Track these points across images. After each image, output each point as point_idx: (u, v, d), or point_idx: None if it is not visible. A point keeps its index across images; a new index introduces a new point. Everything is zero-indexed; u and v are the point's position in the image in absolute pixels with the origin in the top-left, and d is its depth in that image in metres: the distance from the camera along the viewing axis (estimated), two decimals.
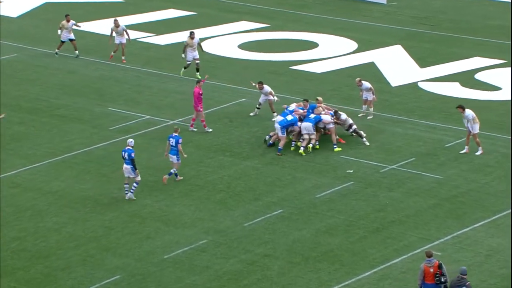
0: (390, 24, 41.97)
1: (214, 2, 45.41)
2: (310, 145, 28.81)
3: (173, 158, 27.23)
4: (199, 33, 40.82)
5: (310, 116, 29.06)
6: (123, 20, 42.63)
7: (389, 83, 35.16)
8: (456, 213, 25.52)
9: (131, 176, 26.22)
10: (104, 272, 22.99)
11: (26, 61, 37.50)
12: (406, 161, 28.46)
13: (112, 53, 36.77)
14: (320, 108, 29.34)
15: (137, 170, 26.09)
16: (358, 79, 31.43)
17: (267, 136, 29.37)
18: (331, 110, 29.72)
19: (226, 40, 39.99)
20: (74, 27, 37.29)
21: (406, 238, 24.25)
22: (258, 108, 31.53)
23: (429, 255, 20.86)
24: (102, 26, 41.63)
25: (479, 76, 35.67)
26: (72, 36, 36.77)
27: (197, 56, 35.15)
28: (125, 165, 26.19)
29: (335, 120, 29.26)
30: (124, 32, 36.47)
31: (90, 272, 22.96)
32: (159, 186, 27.15)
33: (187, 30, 41.10)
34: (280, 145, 28.89)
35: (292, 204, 26.06)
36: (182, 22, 42.40)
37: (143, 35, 40.69)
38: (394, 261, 23.22)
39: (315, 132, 28.90)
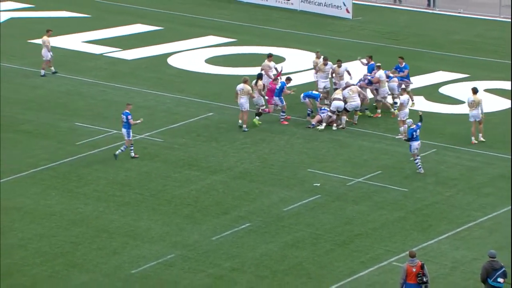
0: (355, 38, 42.36)
1: (182, 17, 45.49)
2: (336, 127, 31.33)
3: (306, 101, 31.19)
4: (166, 47, 40.96)
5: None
6: (90, 35, 42.62)
7: None
8: (422, 226, 25.75)
9: None
10: None
11: None
12: (373, 174, 28.68)
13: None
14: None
15: None
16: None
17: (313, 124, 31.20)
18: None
19: (193, 55, 40.06)
20: None
21: (372, 250, 24.42)
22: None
23: (412, 255, 21.09)
24: (68, 41, 41.51)
25: (443, 90, 36.12)
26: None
27: (328, 86, 31.81)
28: None
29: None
30: (346, 73, 31.79)
31: None
32: (126, 201, 27.12)
33: (155, 45, 41.28)
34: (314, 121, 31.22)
35: (259, 217, 26.14)
36: (149, 37, 42.40)
37: (109, 49, 40.64)
38: (361, 274, 23.37)
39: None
